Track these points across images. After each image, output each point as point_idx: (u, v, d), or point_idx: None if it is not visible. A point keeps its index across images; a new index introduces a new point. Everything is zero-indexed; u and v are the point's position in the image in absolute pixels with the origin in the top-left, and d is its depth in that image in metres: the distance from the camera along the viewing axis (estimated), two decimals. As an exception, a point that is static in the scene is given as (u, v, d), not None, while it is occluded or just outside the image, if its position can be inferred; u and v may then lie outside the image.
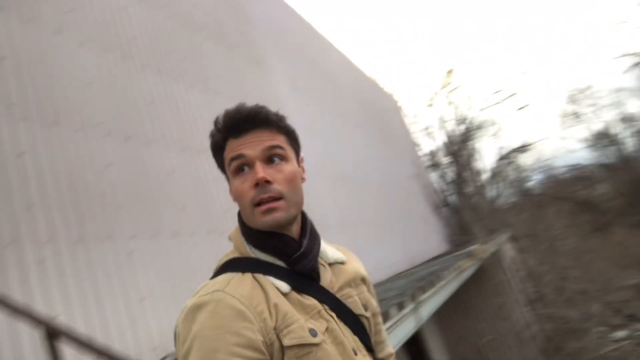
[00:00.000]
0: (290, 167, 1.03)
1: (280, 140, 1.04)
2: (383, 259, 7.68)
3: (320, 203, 6.23)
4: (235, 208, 1.07)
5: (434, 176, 19.91)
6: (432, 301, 5.31)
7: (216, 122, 1.05)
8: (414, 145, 18.49)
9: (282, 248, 1.02)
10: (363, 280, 1.17)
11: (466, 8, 51.98)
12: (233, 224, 1.09)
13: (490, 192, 20.81)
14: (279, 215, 0.99)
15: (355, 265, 1.18)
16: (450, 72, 21.50)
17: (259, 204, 0.99)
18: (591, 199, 25.58)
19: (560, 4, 47.74)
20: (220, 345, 0.85)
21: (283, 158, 1.03)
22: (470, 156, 20.73)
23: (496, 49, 46.98)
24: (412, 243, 10.41)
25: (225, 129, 1.03)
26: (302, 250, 1.03)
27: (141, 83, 3.85)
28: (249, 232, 1.04)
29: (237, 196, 1.03)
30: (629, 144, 27.36)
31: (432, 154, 20.90)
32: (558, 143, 36.96)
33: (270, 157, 1.01)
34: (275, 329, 0.92)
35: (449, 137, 20.83)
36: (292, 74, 7.54)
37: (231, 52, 5.40)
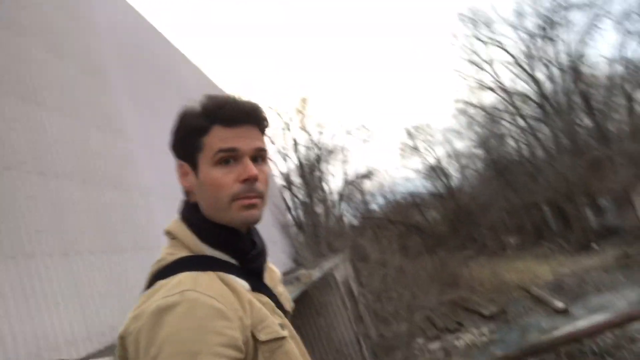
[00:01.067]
0: (268, 169, 1.06)
1: (263, 142, 1.04)
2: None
3: (161, 224, 6.08)
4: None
5: (285, 196, 20.56)
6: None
7: (202, 105, 1.00)
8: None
9: (239, 245, 1.01)
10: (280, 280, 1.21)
11: (329, 39, 55.14)
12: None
13: (337, 214, 22.17)
14: (257, 213, 1.00)
15: (274, 267, 1.21)
16: (304, 100, 22.63)
17: (240, 198, 0.97)
18: (421, 224, 28.74)
19: (409, 48, 53.56)
20: (202, 347, 0.79)
21: (264, 160, 1.04)
22: (321, 179, 21.88)
23: (349, 82, 50.55)
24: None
25: (217, 116, 0.99)
26: (258, 249, 1.05)
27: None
28: (205, 227, 0.99)
29: (214, 186, 0.98)
30: (455, 178, 31.45)
31: (286, 175, 21.62)
32: (398, 172, 40.81)
33: (256, 157, 1.01)
34: (251, 325, 0.90)
35: (302, 159, 21.77)
36: (136, 86, 7.30)
37: (64, 60, 5.08)
